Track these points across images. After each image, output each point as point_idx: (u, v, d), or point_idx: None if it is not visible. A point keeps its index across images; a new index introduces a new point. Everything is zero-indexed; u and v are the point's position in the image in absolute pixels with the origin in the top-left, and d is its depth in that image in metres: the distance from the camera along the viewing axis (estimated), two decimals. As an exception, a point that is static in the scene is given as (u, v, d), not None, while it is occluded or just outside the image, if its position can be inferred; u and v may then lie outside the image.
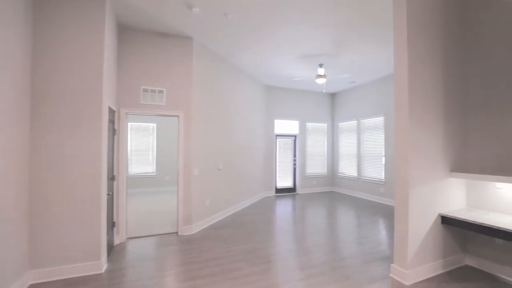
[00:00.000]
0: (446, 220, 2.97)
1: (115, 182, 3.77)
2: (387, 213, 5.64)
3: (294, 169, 8.12)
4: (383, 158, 6.72)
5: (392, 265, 2.93)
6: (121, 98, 3.89)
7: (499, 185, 2.95)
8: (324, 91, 7.34)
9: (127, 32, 3.94)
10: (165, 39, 4.18)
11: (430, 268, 2.92)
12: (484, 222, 2.61)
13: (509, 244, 2.87)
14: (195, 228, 4.38)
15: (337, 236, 4.20)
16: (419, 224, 2.86)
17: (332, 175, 8.62)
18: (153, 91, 4.07)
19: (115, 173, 3.77)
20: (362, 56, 5.23)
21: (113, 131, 3.67)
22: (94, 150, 2.93)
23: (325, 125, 8.59)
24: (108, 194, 3.24)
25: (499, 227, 2.51)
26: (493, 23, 2.98)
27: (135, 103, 3.98)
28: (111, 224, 3.62)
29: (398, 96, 2.91)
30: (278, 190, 7.89)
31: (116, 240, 3.81)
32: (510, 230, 2.43)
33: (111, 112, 3.51)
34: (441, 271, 3.01)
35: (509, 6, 2.83)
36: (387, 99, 6.66)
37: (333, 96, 8.69)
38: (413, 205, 2.81)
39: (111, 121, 3.54)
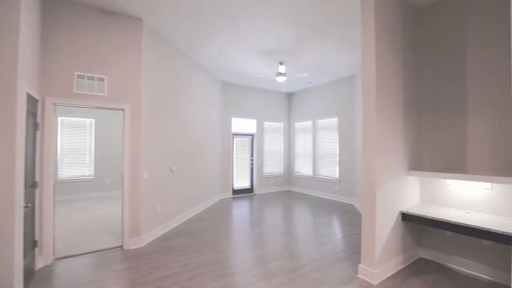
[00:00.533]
0: (406, 217, 3.06)
1: (37, 190, 2.98)
2: (343, 211, 5.82)
3: (252, 169, 7.92)
4: (337, 157, 6.97)
5: (359, 265, 2.90)
6: (47, 84, 3.11)
7: (449, 182, 3.17)
8: (284, 89, 7.31)
9: (60, 4, 3.17)
10: (110, 18, 3.51)
11: (393, 265, 2.97)
12: (438, 217, 2.75)
13: (457, 235, 3.09)
14: (145, 239, 3.79)
15: (300, 238, 4.09)
16: (384, 223, 2.88)
17: (289, 174, 8.69)
18: (91, 78, 3.36)
19: (37, 179, 2.98)
20: (322, 56, 5.27)
21: (34, 126, 2.89)
22: (4, 149, 2.20)
23: (282, 124, 8.60)
24: (26, 207, 2.51)
25: (449, 220, 2.66)
26: (441, 27, 3.19)
27: (67, 92, 3.22)
28: (31, 244, 2.84)
29: (366, 94, 2.89)
30: (235, 191, 7.58)
31: (39, 264, 3.01)
32: (458, 223, 2.59)
33: (32, 101, 2.75)
34: (402, 266, 3.09)
35: (456, 11, 3.06)
36: (340, 100, 6.93)
37: (289, 96, 8.76)
38: (379, 205, 2.81)
39: (32, 113, 2.78)
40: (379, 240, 2.80)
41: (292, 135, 8.62)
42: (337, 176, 6.97)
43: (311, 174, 7.79)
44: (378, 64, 2.82)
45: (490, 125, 2.81)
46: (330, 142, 7.22)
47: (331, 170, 7.19)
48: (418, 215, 2.93)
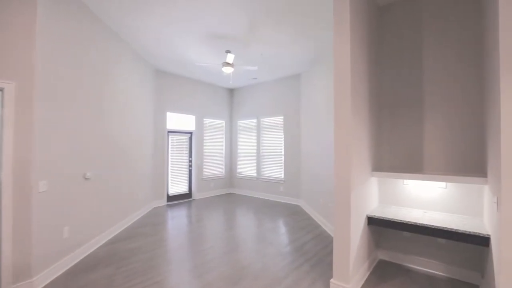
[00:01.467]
0: (372, 221, 2.88)
1: None
2: (291, 212, 5.59)
3: (190, 171, 7.01)
4: (283, 157, 6.76)
5: (332, 280, 2.54)
6: None
7: (407, 182, 3.16)
8: (231, 82, 6.65)
9: None
10: None
11: (361, 273, 2.73)
12: (405, 220, 2.63)
13: (413, 235, 3.09)
14: (40, 282, 2.61)
15: (254, 250, 3.56)
16: (356, 230, 2.61)
17: (231, 176, 8.10)
18: None
19: None
20: (273, 49, 4.88)
21: None
22: None
23: (224, 122, 7.96)
24: None
25: (415, 222, 2.57)
26: (399, 26, 3.16)
27: None
28: None
29: (340, 92, 2.55)
30: (171, 198, 6.56)
31: None
32: (422, 224, 2.52)
33: None
34: (368, 273, 2.90)
35: (413, 11, 3.05)
36: (286, 99, 6.74)
37: (232, 92, 8.18)
38: (353, 210, 2.52)
39: None
40: (353, 250, 2.51)
41: (234, 133, 8.07)
42: (283, 176, 6.76)
43: (255, 175, 7.40)
44: (352, 60, 2.53)
45: (445, 126, 2.85)
46: (276, 142, 6.97)
47: (276, 170, 6.94)
48: (384, 219, 2.76)
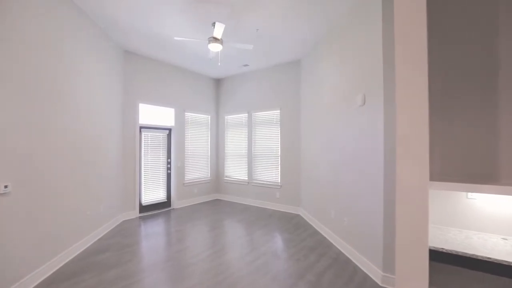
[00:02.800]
0: (435, 255, 1.95)
1: None
2: (292, 225, 4.61)
3: (169, 174, 5.86)
4: (279, 158, 5.78)
5: None
6: None
7: (471, 195, 2.26)
8: (219, 64, 5.48)
9: None
10: None
11: None
12: (473, 253, 1.73)
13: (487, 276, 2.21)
14: None
15: (264, 283, 2.55)
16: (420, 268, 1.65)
17: (217, 180, 7.01)
18: None
19: None
20: (272, 22, 3.87)
21: None
22: None
23: (209, 117, 6.85)
24: None
25: (488, 258, 1.68)
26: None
27: None
28: None
29: (410, 67, 1.59)
30: (145, 208, 5.38)
31: None
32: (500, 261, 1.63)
33: None
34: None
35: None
36: (283, 90, 5.75)
37: (218, 82, 7.08)
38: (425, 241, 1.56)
39: None
40: None
41: (221, 130, 6.98)
42: (279, 180, 5.77)
43: (246, 178, 6.37)
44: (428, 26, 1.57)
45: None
46: (270, 140, 5.97)
47: (271, 173, 5.95)
48: (455, 253, 1.85)
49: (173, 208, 5.86)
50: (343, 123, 3.56)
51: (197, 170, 6.49)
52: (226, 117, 6.87)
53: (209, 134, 6.83)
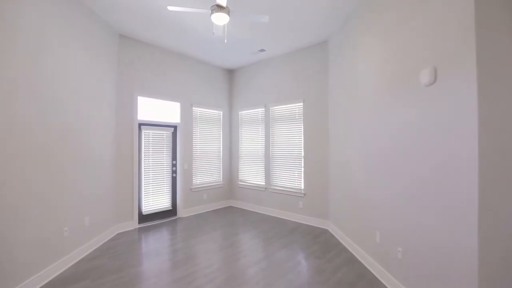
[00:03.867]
0: None
1: None
2: (322, 246, 3.62)
3: (174, 178, 5.10)
4: (302, 160, 4.81)
5: None
6: None
7: None
8: (225, 41, 4.56)
9: None
10: None
11: None
12: None
13: None
14: None
15: None
16: None
17: (230, 185, 6.18)
18: None
19: None
20: (294, -18, 2.93)
21: None
22: None
23: (221, 113, 6.02)
24: None
25: None
26: None
27: None
28: None
29: None
30: (145, 218, 4.66)
31: None
32: None
33: None
34: None
35: None
36: (307, 78, 4.78)
37: (231, 73, 6.24)
38: None
39: None
40: None
41: (235, 128, 6.13)
42: (302, 187, 4.81)
43: (263, 184, 5.46)
44: None
45: None
46: (291, 138, 5.01)
47: (292, 178, 4.99)
48: None
49: (179, 217, 5.09)
50: (394, 112, 2.54)
51: (207, 173, 5.69)
52: (240, 112, 6.01)
53: (221, 132, 6.00)
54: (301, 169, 4.83)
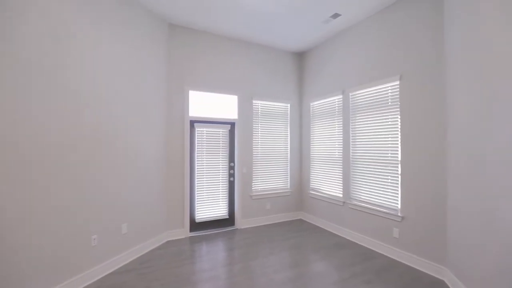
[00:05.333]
0: None
1: None
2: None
3: (231, 183, 4.45)
4: (399, 166, 3.22)
5: None
6: None
7: None
8: None
9: None
10: None
11: None
12: None
13: None
14: None
15: None
16: None
17: (300, 193, 5.06)
18: None
19: None
20: None
21: None
22: None
23: (288, 105, 5.00)
24: None
25: None
26: None
27: None
28: None
29: None
30: (199, 226, 4.18)
31: None
32: None
33: None
34: None
35: None
36: (407, 45, 3.16)
37: (300, 57, 5.12)
38: None
39: None
40: None
41: (306, 123, 4.97)
42: (398, 206, 3.22)
43: (341, 196, 4.11)
44: None
45: None
46: (381, 134, 3.49)
47: (383, 192, 3.45)
48: None
49: (237, 228, 4.39)
50: None
51: (271, 178, 4.78)
52: (311, 104, 4.82)
53: (289, 128, 4.97)
54: (396, 179, 3.25)
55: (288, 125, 4.96)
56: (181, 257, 3.27)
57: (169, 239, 3.86)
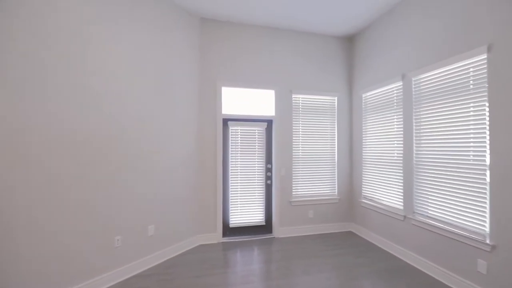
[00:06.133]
0: None
1: None
2: None
3: (268, 187, 4.05)
4: (487, 173, 2.31)
5: None
6: None
7: None
8: None
9: None
10: None
11: None
12: None
13: None
14: None
15: None
16: None
17: (350, 201, 4.32)
18: None
19: None
20: None
21: None
22: None
23: (335, 98, 4.31)
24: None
25: None
26: None
27: None
28: None
29: None
30: (233, 231, 3.91)
31: None
32: None
33: None
34: None
35: None
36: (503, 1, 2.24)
37: (349, 41, 4.37)
38: None
39: None
40: None
41: (357, 118, 4.21)
42: (486, 228, 2.30)
43: (401, 208, 3.27)
44: None
45: None
46: (459, 131, 2.58)
47: (462, 207, 2.55)
48: None
49: (274, 237, 3.97)
50: None
51: (314, 182, 4.18)
52: (364, 95, 4.04)
53: (336, 125, 4.29)
54: (482, 191, 2.33)
55: (336, 121, 4.29)
56: (209, 265, 3.03)
57: (201, 243, 3.69)
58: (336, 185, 4.25)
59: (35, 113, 2.07)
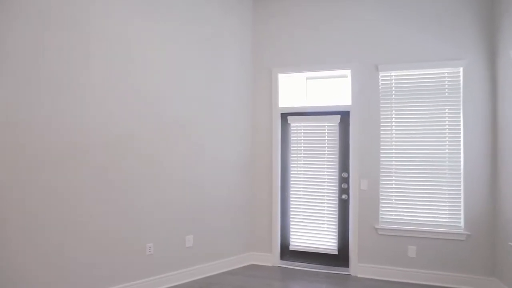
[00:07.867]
0: None
1: None
2: None
3: (343, 203, 2.93)
4: None
5: None
6: None
7: None
8: None
9: None
10: None
11: None
12: None
13: None
14: None
15: None
16: None
17: (491, 240, 2.52)
18: None
19: None
20: None
21: None
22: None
23: (459, 70, 2.64)
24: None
25: None
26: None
27: None
28: None
29: None
30: (294, 256, 3.06)
31: None
32: None
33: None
34: None
35: None
36: None
37: (495, -29, 2.58)
38: None
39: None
40: None
41: (501, 97, 2.42)
42: None
43: None
44: None
45: None
46: None
47: None
48: None
49: (351, 275, 2.84)
50: None
51: (417, 203, 2.71)
52: (522, 56, 2.25)
53: (462, 112, 2.63)
54: None
55: (461, 105, 2.63)
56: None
57: (253, 263, 3.08)
58: (462, 210, 2.60)
59: (93, 118, 2.14)
